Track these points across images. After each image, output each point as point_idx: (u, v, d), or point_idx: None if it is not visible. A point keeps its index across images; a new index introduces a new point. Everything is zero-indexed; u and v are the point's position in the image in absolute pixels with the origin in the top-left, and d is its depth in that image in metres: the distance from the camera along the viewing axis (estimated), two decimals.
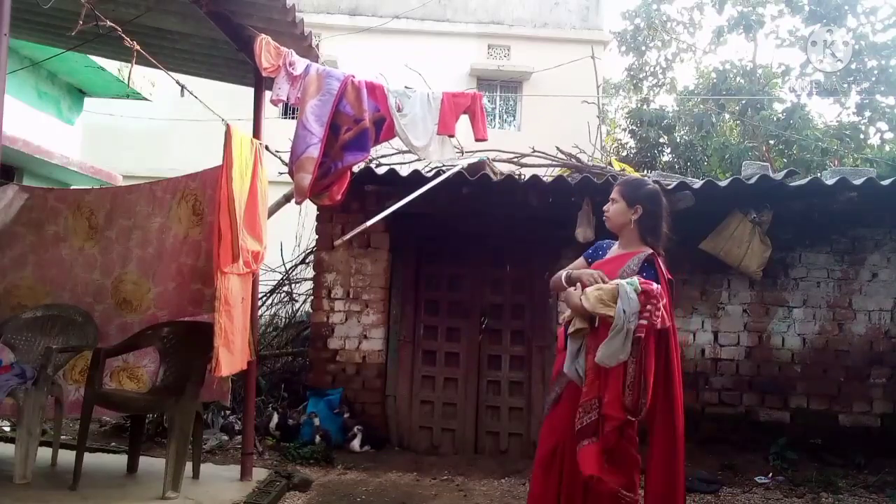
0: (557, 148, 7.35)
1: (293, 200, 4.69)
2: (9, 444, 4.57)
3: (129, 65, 3.83)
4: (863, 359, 5.86)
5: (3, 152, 2.94)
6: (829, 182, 5.49)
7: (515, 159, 7.20)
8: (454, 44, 14.98)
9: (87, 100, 8.69)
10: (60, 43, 4.92)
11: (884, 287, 5.90)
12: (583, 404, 2.69)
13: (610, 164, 7.89)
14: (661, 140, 13.32)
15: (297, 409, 5.98)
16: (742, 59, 14.18)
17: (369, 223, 5.15)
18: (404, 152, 6.92)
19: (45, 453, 4.26)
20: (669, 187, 5.51)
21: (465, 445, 5.88)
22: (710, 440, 5.66)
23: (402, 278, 6.17)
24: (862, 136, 12.63)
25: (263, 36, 3.94)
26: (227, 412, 5.84)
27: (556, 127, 11.13)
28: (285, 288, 7.83)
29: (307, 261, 7.44)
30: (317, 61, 4.39)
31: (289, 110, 13.55)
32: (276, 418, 5.74)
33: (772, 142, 12.71)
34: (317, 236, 6.30)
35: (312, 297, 6.30)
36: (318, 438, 5.51)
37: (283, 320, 7.81)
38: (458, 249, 6.06)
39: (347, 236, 5.21)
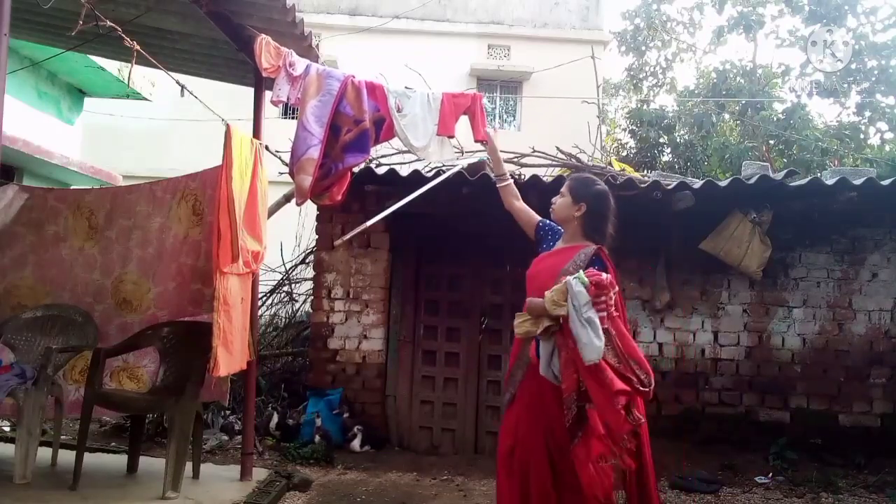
0: (557, 148, 7.34)
1: (294, 201, 4.69)
2: (9, 444, 4.56)
3: (129, 65, 3.83)
4: (863, 359, 5.86)
5: (3, 152, 2.94)
6: (829, 182, 5.49)
7: (515, 159, 7.18)
8: (454, 44, 14.98)
9: (87, 100, 8.69)
10: (60, 43, 4.92)
11: (884, 287, 5.90)
12: (566, 400, 2.70)
13: (610, 164, 7.88)
14: (661, 140, 13.32)
15: (297, 409, 5.98)
16: (742, 59, 14.20)
17: (369, 223, 5.14)
18: (404, 152, 6.91)
19: (45, 453, 4.26)
20: (669, 187, 5.51)
21: (465, 445, 5.88)
22: (710, 440, 5.66)
23: (402, 278, 6.17)
24: (862, 136, 12.64)
25: (263, 36, 3.94)
26: (227, 412, 5.84)
27: (556, 127, 11.13)
28: (285, 288, 7.82)
29: (307, 261, 7.44)
30: (317, 61, 4.39)
31: (289, 110, 13.54)
32: (276, 418, 5.75)
33: (772, 142, 12.71)
34: (317, 236, 6.30)
35: (312, 297, 6.30)
36: (318, 438, 5.51)
37: (283, 320, 7.81)
38: (458, 249, 6.06)
39: (347, 236, 5.20)
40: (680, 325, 5.97)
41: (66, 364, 4.51)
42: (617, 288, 2.77)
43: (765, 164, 6.73)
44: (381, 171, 5.93)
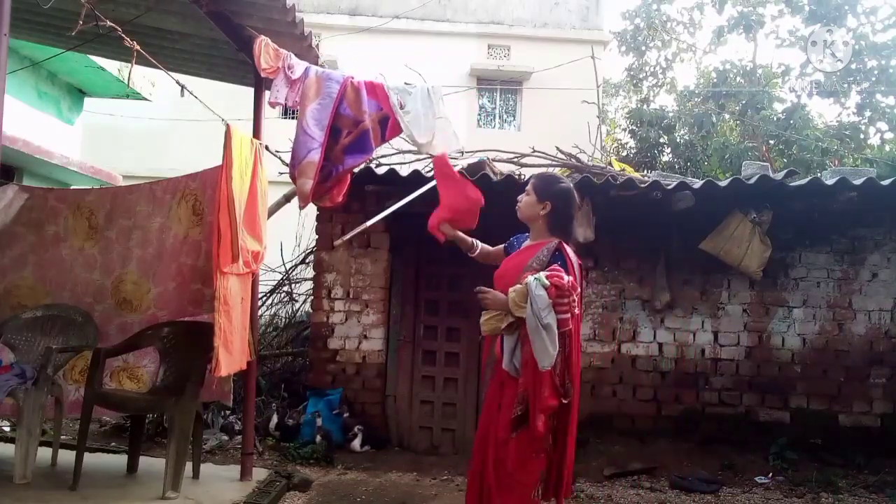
0: (557, 148, 7.34)
1: (294, 202, 4.68)
2: (9, 444, 4.57)
3: (129, 65, 3.83)
4: (863, 359, 5.86)
5: (3, 152, 2.94)
6: (829, 182, 5.49)
7: (515, 159, 7.19)
8: (454, 44, 14.99)
9: (87, 100, 8.69)
10: (60, 43, 4.92)
11: (884, 287, 5.90)
12: (518, 395, 2.74)
13: (610, 164, 7.88)
14: (661, 140, 13.32)
15: (296, 409, 5.98)
16: (742, 59, 14.20)
17: (369, 223, 5.15)
18: (404, 152, 6.93)
19: (45, 453, 4.26)
20: (669, 187, 5.51)
21: (465, 445, 5.88)
22: (710, 440, 5.66)
23: (402, 278, 6.17)
24: (862, 136, 12.64)
25: (263, 37, 3.94)
26: (227, 412, 5.84)
27: (556, 127, 11.14)
28: (285, 288, 7.83)
29: (307, 261, 7.44)
30: (317, 61, 4.38)
31: (289, 110, 13.53)
32: (275, 418, 5.75)
33: (772, 142, 12.71)
34: (317, 236, 6.30)
35: (312, 297, 6.30)
36: (318, 438, 5.51)
37: (283, 320, 7.81)
38: (457, 249, 6.04)
39: (347, 236, 5.21)
40: (680, 325, 5.97)
41: (66, 364, 4.51)
42: (578, 290, 2.76)
43: (765, 164, 6.72)
44: (381, 171, 5.93)
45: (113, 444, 5.23)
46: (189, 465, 4.13)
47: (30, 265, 4.65)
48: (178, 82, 3.84)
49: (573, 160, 7.18)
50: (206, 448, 5.10)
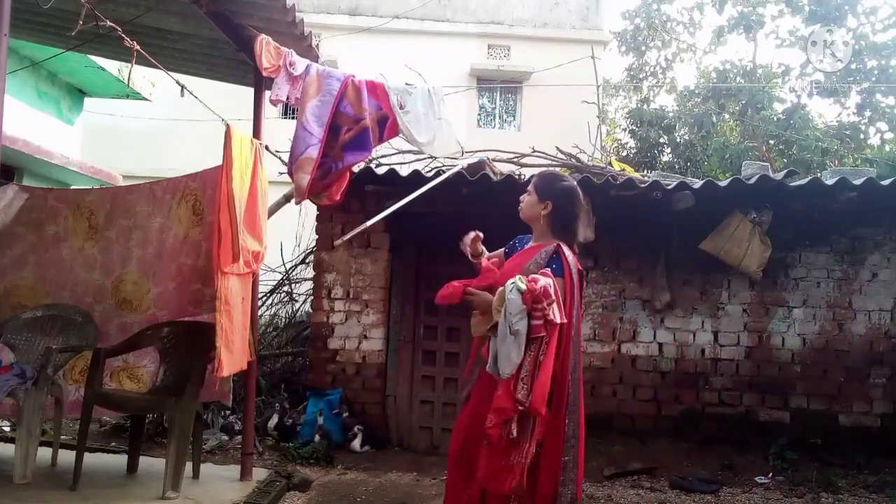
0: (557, 148, 7.35)
1: (293, 200, 4.67)
2: (9, 444, 4.56)
3: (129, 65, 3.83)
4: (863, 359, 5.86)
5: (3, 152, 2.94)
6: (829, 182, 5.49)
7: (515, 159, 7.20)
8: (454, 44, 14.98)
9: (87, 100, 8.69)
10: (60, 43, 4.91)
11: (884, 287, 5.90)
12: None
13: (610, 164, 7.88)
14: (661, 140, 13.33)
15: (296, 409, 5.98)
16: (742, 59, 14.21)
17: (369, 223, 5.15)
18: (404, 152, 6.93)
19: (45, 453, 4.26)
20: (669, 187, 5.51)
21: None
22: (710, 440, 5.66)
23: (402, 278, 6.17)
24: (862, 136, 12.65)
25: (264, 36, 3.94)
26: (227, 412, 5.84)
27: (556, 127, 11.15)
28: (285, 288, 7.83)
29: (307, 261, 7.44)
30: (317, 61, 4.38)
31: (289, 110, 13.55)
32: (275, 418, 5.75)
33: (772, 142, 12.71)
34: (317, 236, 6.30)
35: (312, 297, 6.30)
36: (318, 438, 5.51)
37: (283, 320, 7.81)
38: (458, 249, 6.04)
39: (347, 236, 5.21)
40: (680, 325, 5.98)
41: (66, 364, 4.51)
42: (559, 296, 2.62)
43: (765, 164, 6.73)
44: (381, 171, 5.93)
45: (113, 444, 5.23)
46: (189, 465, 4.13)
47: (30, 265, 4.64)
48: (178, 82, 3.84)
49: (573, 160, 7.18)
50: (206, 448, 5.10)
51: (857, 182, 5.38)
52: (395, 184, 5.69)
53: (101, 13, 3.34)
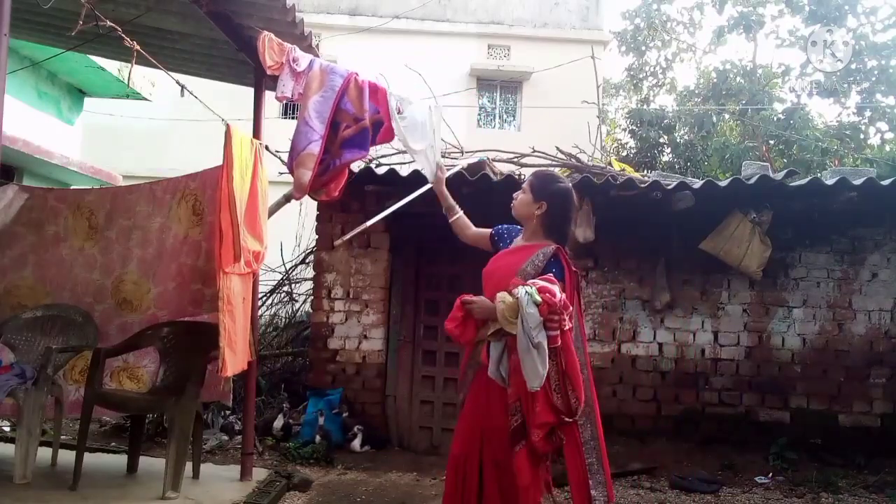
0: (557, 148, 7.35)
1: (292, 197, 4.65)
2: (9, 444, 4.56)
3: (129, 65, 3.82)
4: (863, 359, 5.86)
5: (3, 152, 2.94)
6: (829, 182, 5.49)
7: (515, 159, 7.20)
8: (454, 44, 14.99)
9: (87, 100, 8.69)
10: (60, 43, 4.92)
11: (884, 287, 5.90)
12: (510, 406, 2.62)
13: (610, 164, 7.88)
14: (661, 140, 13.33)
15: (296, 409, 5.98)
16: (742, 59, 14.23)
17: (369, 223, 5.15)
18: (404, 152, 6.92)
19: (45, 453, 4.26)
20: (669, 187, 5.51)
21: None
22: (710, 440, 5.66)
23: (402, 278, 6.17)
24: (862, 136, 12.65)
25: (266, 33, 3.93)
26: (227, 412, 5.84)
27: (556, 127, 11.13)
28: (285, 288, 7.83)
29: (307, 261, 7.44)
30: None
31: (289, 110, 13.56)
32: (281, 418, 5.76)
33: (772, 142, 12.72)
34: (317, 236, 6.30)
35: (312, 297, 6.30)
36: (318, 438, 5.51)
37: (283, 320, 7.82)
38: (458, 249, 6.02)
39: (347, 236, 5.20)
40: (680, 325, 5.98)
41: (66, 364, 4.51)
42: (570, 308, 2.61)
43: (765, 164, 6.73)
44: (381, 171, 5.93)
45: (113, 444, 5.23)
46: (189, 465, 4.13)
47: (30, 265, 4.64)
48: (178, 82, 3.84)
49: (573, 160, 7.19)
50: (206, 448, 5.10)
51: (857, 182, 5.39)
52: (395, 184, 5.69)
53: (101, 13, 3.34)
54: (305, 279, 7.69)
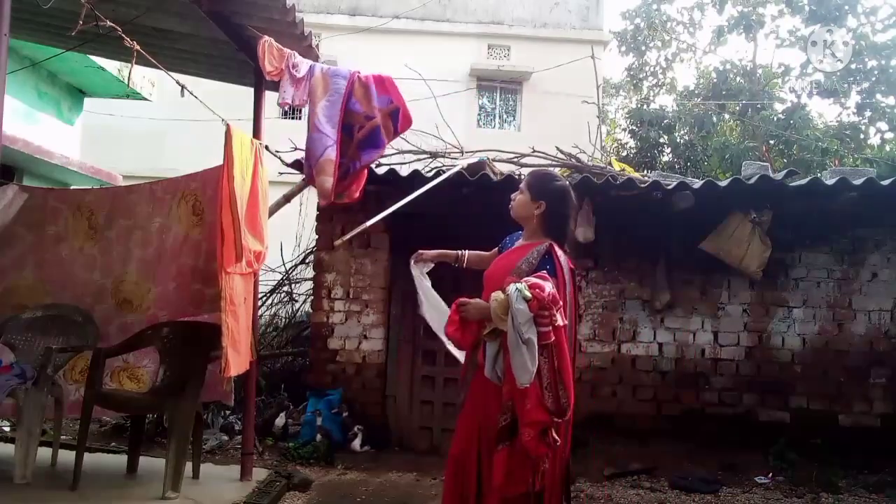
0: (557, 148, 7.35)
1: (298, 202, 4.64)
2: (9, 444, 4.56)
3: (129, 65, 3.82)
4: (863, 359, 5.86)
5: (3, 152, 2.94)
6: (829, 182, 5.49)
7: (515, 159, 7.20)
8: (454, 44, 14.99)
9: (87, 100, 8.68)
10: (60, 43, 4.91)
11: (884, 287, 5.90)
12: (503, 405, 2.61)
13: (610, 164, 7.88)
14: (661, 140, 13.34)
15: (297, 409, 5.98)
16: (742, 59, 14.25)
17: (369, 223, 5.13)
18: (404, 152, 6.93)
19: (45, 453, 4.26)
20: (669, 187, 5.51)
21: None
22: (710, 440, 5.65)
23: (402, 278, 6.16)
24: (862, 136, 12.67)
25: (266, 38, 3.93)
26: (227, 412, 5.84)
27: (556, 127, 11.15)
28: (285, 288, 7.83)
29: (307, 261, 7.44)
30: (317, 61, 4.38)
31: (289, 110, 13.55)
32: (283, 417, 5.76)
33: (772, 142, 12.73)
34: (317, 236, 6.30)
35: (312, 297, 6.30)
36: (318, 438, 5.51)
37: (283, 320, 7.81)
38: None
39: (347, 236, 5.19)
40: (680, 325, 5.97)
41: (66, 364, 4.51)
42: (562, 301, 2.59)
43: (765, 164, 6.73)
44: (381, 171, 5.93)
45: (113, 444, 5.23)
46: (189, 465, 4.13)
47: (30, 265, 4.64)
48: (178, 82, 3.83)
49: (573, 160, 7.19)
50: (206, 448, 5.09)
51: (857, 182, 5.38)
52: (395, 184, 5.68)
53: (101, 13, 3.34)
54: (305, 279, 7.69)
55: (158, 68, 3.96)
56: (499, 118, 15.76)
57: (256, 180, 3.99)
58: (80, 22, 3.25)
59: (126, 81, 7.68)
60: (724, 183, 5.55)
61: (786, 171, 5.93)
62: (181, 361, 4.14)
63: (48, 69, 7.52)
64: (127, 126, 12.21)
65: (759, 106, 12.74)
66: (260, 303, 6.56)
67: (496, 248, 3.14)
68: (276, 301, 7.78)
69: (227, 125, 3.77)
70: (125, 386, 4.58)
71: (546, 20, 15.51)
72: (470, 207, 5.63)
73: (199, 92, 3.93)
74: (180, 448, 3.86)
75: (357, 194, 4.26)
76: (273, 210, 5.73)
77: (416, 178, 5.56)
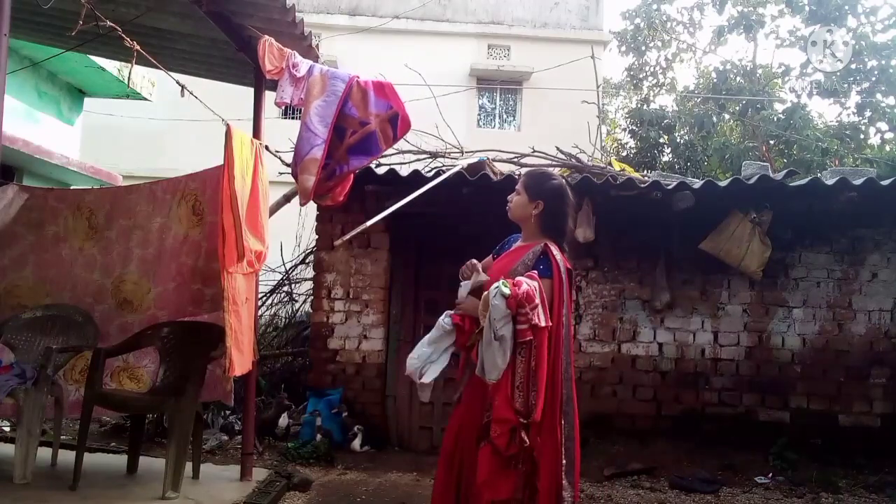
0: (557, 148, 7.35)
1: (296, 201, 4.64)
2: (9, 444, 4.56)
3: (129, 65, 3.83)
4: (863, 359, 5.86)
5: (3, 152, 2.94)
6: (829, 182, 5.49)
7: (515, 159, 7.20)
8: (454, 44, 15.00)
9: (87, 100, 8.68)
10: (60, 43, 4.92)
11: (884, 287, 5.90)
12: (486, 402, 2.63)
13: (610, 164, 7.88)
14: (661, 140, 13.34)
15: (297, 409, 5.98)
16: (742, 59, 14.23)
17: (369, 223, 5.15)
18: (404, 152, 6.93)
19: (45, 453, 4.26)
20: (669, 187, 5.51)
21: None
22: (710, 440, 5.65)
23: (402, 278, 6.16)
24: (862, 136, 12.64)
25: (267, 38, 3.93)
26: (227, 412, 5.84)
27: (556, 127, 11.16)
28: (285, 288, 7.83)
29: (307, 261, 7.44)
30: (317, 61, 4.38)
31: (289, 110, 13.52)
32: (285, 418, 5.75)
33: (772, 142, 12.72)
34: (317, 236, 6.30)
35: (312, 297, 6.31)
36: (318, 438, 5.51)
37: (283, 320, 7.82)
38: (458, 249, 6.02)
39: (347, 236, 5.20)
40: (680, 325, 5.97)
41: (66, 364, 4.51)
42: (544, 299, 2.57)
43: (765, 164, 6.73)
44: (381, 171, 5.93)
45: (113, 444, 5.23)
46: (189, 465, 4.12)
47: (30, 265, 4.64)
48: (178, 82, 3.83)
49: (573, 160, 7.19)
50: (206, 448, 5.09)
51: (857, 182, 5.39)
52: (395, 184, 5.69)
53: (101, 13, 3.34)
54: (305, 279, 7.70)
55: (158, 68, 3.96)
56: (499, 118, 15.76)
57: (257, 180, 3.99)
58: (80, 22, 3.25)
59: (126, 81, 7.67)
60: (724, 183, 5.55)
61: (786, 171, 5.93)
62: (181, 361, 4.14)
63: (48, 69, 7.51)
64: (127, 126, 12.21)
65: (759, 106, 12.73)
66: (260, 303, 6.56)
67: (490, 256, 3.10)
68: (276, 301, 7.78)
69: (228, 125, 3.77)
70: (125, 386, 4.58)
71: (546, 20, 15.51)
72: (470, 207, 5.63)
73: (198, 92, 3.93)
74: (180, 448, 3.86)
75: (342, 198, 4.24)
76: (273, 210, 5.74)
77: (416, 178, 5.56)
